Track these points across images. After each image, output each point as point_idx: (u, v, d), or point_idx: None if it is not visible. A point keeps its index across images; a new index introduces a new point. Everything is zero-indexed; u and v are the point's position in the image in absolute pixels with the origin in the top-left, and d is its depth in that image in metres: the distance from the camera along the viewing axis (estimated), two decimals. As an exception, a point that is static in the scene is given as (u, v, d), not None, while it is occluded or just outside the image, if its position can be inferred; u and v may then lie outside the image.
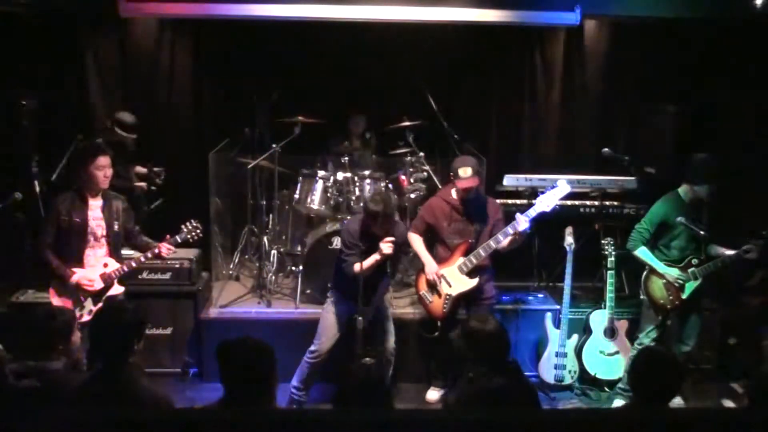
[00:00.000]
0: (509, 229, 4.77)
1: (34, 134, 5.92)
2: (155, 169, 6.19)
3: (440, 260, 5.03)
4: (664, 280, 4.98)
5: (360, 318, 4.56)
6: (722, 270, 4.93)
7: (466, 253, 4.92)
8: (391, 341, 4.97)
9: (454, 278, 4.96)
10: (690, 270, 4.93)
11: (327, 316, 4.87)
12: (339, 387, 3.01)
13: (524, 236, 4.83)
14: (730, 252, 4.88)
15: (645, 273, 5.07)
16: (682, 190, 4.98)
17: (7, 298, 5.37)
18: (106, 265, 4.58)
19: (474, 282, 4.93)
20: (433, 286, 5.02)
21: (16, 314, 5.21)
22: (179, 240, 4.70)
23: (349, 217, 5.50)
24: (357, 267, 4.55)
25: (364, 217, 4.64)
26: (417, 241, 5.12)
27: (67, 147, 5.79)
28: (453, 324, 4.94)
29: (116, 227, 4.61)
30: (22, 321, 3.36)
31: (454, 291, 4.96)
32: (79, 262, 4.53)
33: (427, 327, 5.34)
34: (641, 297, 5.14)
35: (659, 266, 4.99)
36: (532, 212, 4.74)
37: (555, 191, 4.80)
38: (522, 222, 4.69)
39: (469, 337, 3.54)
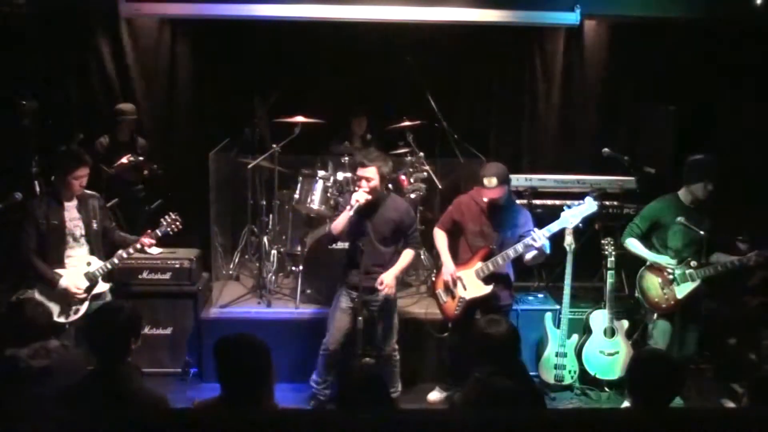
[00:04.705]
0: (528, 241, 4.66)
1: (34, 134, 5.92)
2: (141, 158, 6.13)
3: (461, 261, 4.97)
4: (660, 279, 4.94)
5: (360, 318, 4.56)
6: (722, 274, 4.85)
7: (485, 259, 4.85)
8: (392, 339, 4.95)
9: (470, 282, 4.89)
10: (687, 271, 4.87)
11: (333, 308, 4.90)
12: (339, 388, 3.01)
13: (545, 253, 4.73)
14: (733, 259, 4.80)
15: (641, 270, 5.05)
16: (682, 192, 4.97)
17: (7, 298, 5.36)
18: (89, 264, 4.60)
19: (488, 289, 4.86)
20: (448, 287, 4.97)
21: (13, 313, 5.23)
22: (159, 234, 4.72)
23: None
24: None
25: None
26: (440, 238, 5.05)
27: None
28: (463, 326, 4.87)
29: (94, 226, 4.64)
30: (17, 317, 3.53)
31: (468, 295, 4.90)
32: (60, 264, 4.55)
33: (437, 326, 5.34)
34: (636, 295, 5.11)
35: (648, 255, 4.95)
36: (554, 227, 4.67)
37: (580, 208, 4.71)
38: (540, 237, 4.60)
39: (479, 338, 3.53)
